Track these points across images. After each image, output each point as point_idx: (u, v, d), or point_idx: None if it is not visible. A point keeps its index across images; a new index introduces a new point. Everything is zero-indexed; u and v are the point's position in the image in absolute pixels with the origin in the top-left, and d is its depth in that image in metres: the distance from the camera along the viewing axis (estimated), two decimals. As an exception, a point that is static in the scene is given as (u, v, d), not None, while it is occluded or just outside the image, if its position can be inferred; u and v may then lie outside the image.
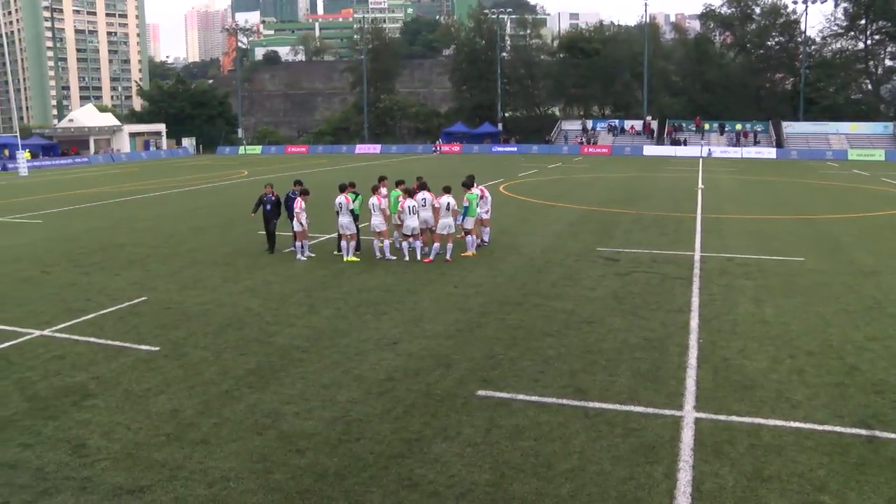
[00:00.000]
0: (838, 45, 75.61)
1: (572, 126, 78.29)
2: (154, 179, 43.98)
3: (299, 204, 16.62)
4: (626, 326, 11.16)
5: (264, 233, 17.98)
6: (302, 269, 15.78)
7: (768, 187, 35.11)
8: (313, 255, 17.19)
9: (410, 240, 16.90)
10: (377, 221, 16.36)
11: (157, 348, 10.30)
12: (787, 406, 8.20)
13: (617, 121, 77.18)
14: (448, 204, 16.30)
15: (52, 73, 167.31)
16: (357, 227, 16.70)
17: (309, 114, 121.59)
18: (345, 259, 16.52)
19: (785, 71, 77.69)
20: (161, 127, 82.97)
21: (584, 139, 73.94)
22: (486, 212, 18.19)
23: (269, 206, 17.53)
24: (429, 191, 17.01)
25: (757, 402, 8.29)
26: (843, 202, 28.26)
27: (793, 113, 72.22)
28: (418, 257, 16.42)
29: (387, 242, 16.51)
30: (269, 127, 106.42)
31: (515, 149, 73.52)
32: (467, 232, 17.11)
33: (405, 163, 58.29)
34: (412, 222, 16.44)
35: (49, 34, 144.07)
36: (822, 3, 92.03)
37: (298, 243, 16.90)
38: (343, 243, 16.73)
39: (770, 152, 64.30)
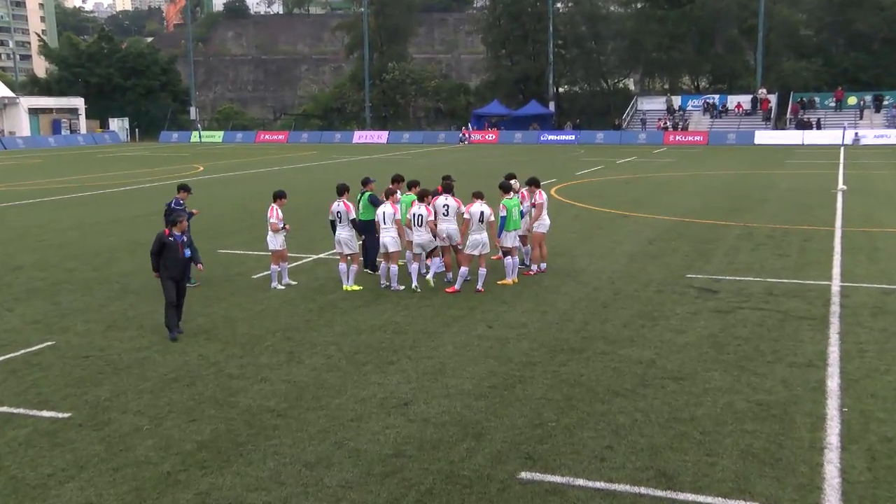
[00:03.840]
0: None
1: (653, 105, 78.38)
2: (68, 176, 44.62)
3: (274, 212, 16.81)
4: (730, 385, 11.10)
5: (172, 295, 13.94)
6: (279, 302, 15.92)
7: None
8: (294, 282, 17.37)
9: (428, 262, 16.98)
10: (390, 238, 16.50)
11: (67, 414, 10.35)
12: None
13: (717, 96, 77.08)
14: (481, 214, 16.40)
15: None
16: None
17: (289, 88, 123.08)
18: (344, 287, 16.70)
19: None
20: (78, 102, 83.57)
21: (669, 123, 73.94)
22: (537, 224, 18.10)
23: (186, 252, 13.74)
24: (453, 195, 17.16)
25: (951, 511, 7.93)
26: None
27: None
28: (432, 283, 16.50)
29: (395, 268, 16.61)
30: (234, 105, 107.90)
31: (573, 137, 73.74)
32: (506, 252, 17.18)
33: (421, 156, 58.59)
34: (420, 237, 16.56)
35: None
36: None
37: (275, 266, 17.09)
38: (342, 266, 16.89)
39: (961, 135, 62.60)
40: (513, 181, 18.05)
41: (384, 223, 16.47)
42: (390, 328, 13.98)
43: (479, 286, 16.45)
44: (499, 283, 16.98)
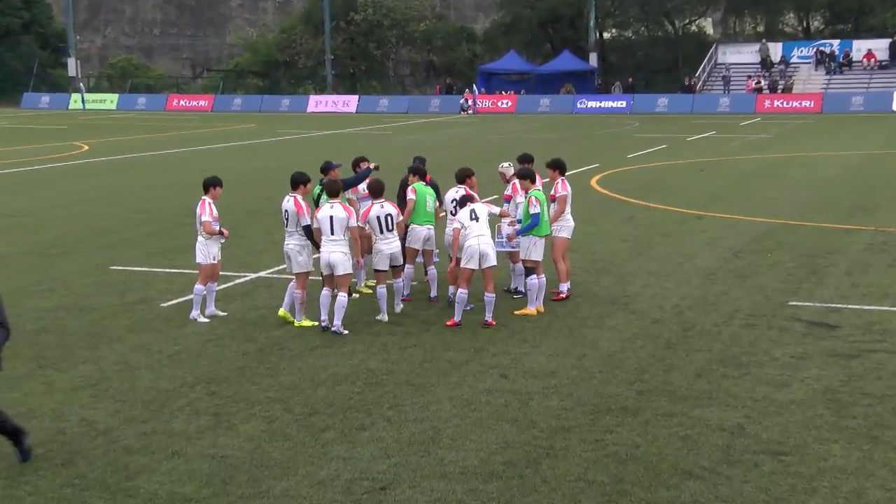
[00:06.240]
0: None
1: (740, 56, 78.66)
2: None
3: (207, 208, 16.77)
4: (859, 464, 11.01)
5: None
6: (201, 342, 15.88)
7: None
8: (223, 313, 17.36)
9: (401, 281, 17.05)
10: (339, 254, 16.29)
11: None
12: None
13: (836, 42, 76.86)
14: (472, 212, 16.45)
15: None
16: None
17: (214, 32, 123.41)
18: (296, 323, 16.65)
19: None
20: None
21: (764, 82, 74.04)
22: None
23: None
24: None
25: None
26: None
27: None
28: (393, 308, 16.48)
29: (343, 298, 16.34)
30: (133, 56, 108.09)
31: (623, 104, 73.94)
32: (530, 268, 17.14)
33: (405, 131, 58.59)
34: (388, 245, 16.61)
35: None
36: None
37: (200, 287, 17.05)
38: (290, 286, 16.83)
39: None
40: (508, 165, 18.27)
41: (331, 232, 16.20)
42: (361, 378, 13.92)
43: (488, 317, 16.43)
44: (516, 312, 17.00)
